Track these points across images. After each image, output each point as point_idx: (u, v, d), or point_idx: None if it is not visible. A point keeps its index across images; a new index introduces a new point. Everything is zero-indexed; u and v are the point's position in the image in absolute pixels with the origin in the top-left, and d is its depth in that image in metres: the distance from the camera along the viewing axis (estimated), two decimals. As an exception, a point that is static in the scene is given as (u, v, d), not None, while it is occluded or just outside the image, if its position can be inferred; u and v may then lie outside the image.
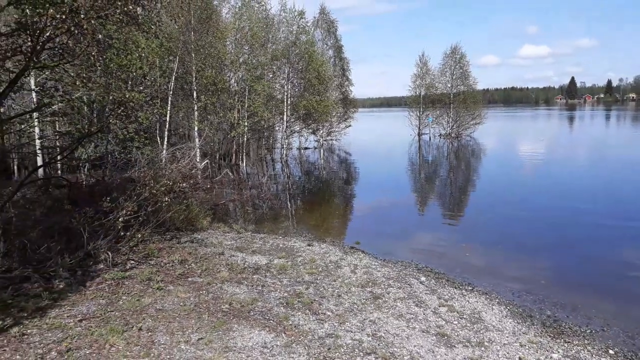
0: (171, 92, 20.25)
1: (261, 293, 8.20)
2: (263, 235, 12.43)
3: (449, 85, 46.34)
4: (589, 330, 7.46)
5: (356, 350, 6.35)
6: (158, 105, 19.38)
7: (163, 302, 7.44)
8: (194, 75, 22.16)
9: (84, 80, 9.30)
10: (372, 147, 41.77)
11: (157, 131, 20.67)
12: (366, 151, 38.02)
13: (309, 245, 11.43)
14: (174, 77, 20.25)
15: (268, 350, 6.25)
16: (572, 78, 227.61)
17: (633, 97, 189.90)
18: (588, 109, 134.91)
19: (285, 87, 31.09)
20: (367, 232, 13.79)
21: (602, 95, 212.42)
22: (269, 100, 28.42)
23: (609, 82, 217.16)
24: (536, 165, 27.44)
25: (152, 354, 5.90)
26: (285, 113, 31.05)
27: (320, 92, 31.28)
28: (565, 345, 6.86)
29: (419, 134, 47.85)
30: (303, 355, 6.14)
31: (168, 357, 5.87)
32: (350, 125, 42.82)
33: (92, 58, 8.43)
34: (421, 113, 47.68)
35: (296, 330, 6.84)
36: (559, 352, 6.60)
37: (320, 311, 7.55)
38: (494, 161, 31.38)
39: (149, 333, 6.43)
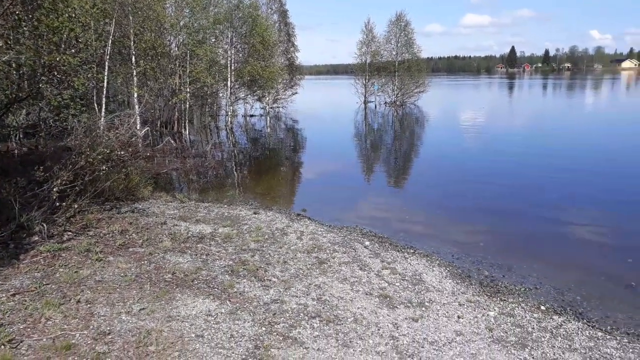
0: (108, 57, 19.19)
1: (205, 262, 8.10)
2: (208, 204, 12.22)
3: (394, 53, 46.60)
4: (523, 289, 7.84)
5: (301, 314, 6.42)
6: (94, 71, 18.39)
7: (103, 274, 7.21)
8: (132, 39, 21.08)
9: (9, 42, 8.67)
10: (319, 115, 41.66)
11: (95, 98, 19.64)
12: (313, 119, 37.89)
13: (255, 213, 11.35)
14: (110, 40, 19.19)
15: (212, 318, 6.21)
16: (512, 47, 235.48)
17: (568, 66, 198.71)
18: (527, 78, 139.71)
19: (229, 52, 30.23)
20: (314, 199, 13.84)
21: (540, 65, 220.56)
22: (211, 65, 27.59)
23: (547, 51, 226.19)
24: (477, 133, 28.26)
25: (91, 326, 5.73)
26: (229, 79, 30.29)
27: (266, 57, 30.65)
28: (501, 303, 7.19)
29: (365, 102, 48.12)
30: (248, 322, 6.15)
31: (108, 328, 5.72)
32: (296, 93, 42.45)
33: (17, 18, 7.84)
34: (367, 81, 47.82)
35: (241, 298, 6.82)
36: (495, 310, 6.92)
37: (266, 278, 7.55)
38: (437, 129, 32.09)
39: (88, 305, 6.23)
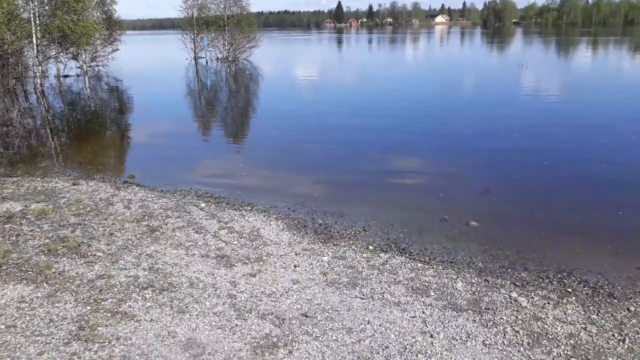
0: None
1: (16, 243, 7.14)
2: (16, 179, 10.75)
3: (222, 7, 45.09)
4: (353, 232, 8.29)
5: (131, 287, 6.01)
6: None
7: None
8: None
9: None
10: (146, 73, 38.99)
11: None
12: (139, 77, 35.36)
13: (74, 184, 10.28)
14: None
15: (27, 305, 5.52)
16: (339, 3, 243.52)
17: (390, 21, 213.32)
18: (354, 33, 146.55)
19: (31, 4, 26.38)
20: (144, 164, 13.01)
21: (365, 20, 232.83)
22: (10, 19, 23.89)
23: (370, 7, 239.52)
24: (311, 88, 28.98)
25: None
26: (34, 35, 26.55)
27: (77, 10, 27.33)
28: (334, 247, 7.52)
29: (196, 58, 46.20)
30: (70, 303, 5.58)
31: None
32: (118, 49, 38.97)
33: None
34: (196, 36, 45.79)
35: (61, 278, 6.15)
36: (328, 254, 7.22)
37: (89, 253, 6.91)
38: (272, 84, 32.18)
39: None
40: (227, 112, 22.82)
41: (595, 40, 70.86)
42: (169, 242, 7.46)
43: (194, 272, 6.52)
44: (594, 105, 20.51)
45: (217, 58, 46.22)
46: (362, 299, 5.94)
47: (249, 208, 9.29)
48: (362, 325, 5.36)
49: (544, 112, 19.13)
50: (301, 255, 7.17)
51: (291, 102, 23.72)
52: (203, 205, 9.30)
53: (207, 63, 45.75)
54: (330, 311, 5.63)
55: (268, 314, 5.55)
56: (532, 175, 11.53)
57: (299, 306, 5.73)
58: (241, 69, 41.69)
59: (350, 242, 7.83)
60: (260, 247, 7.39)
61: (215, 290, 6.05)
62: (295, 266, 6.77)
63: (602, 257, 7.34)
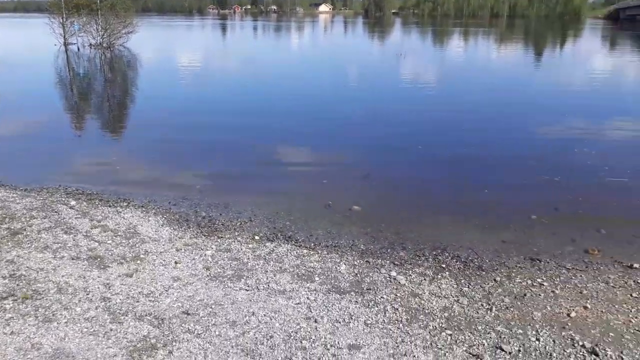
0: None
1: None
2: None
3: (94, -11, 41.85)
4: (238, 223, 8.13)
5: (-14, 299, 5.38)
6: None
7: None
8: None
9: None
10: (7, 60, 35.18)
11: None
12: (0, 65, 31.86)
13: None
14: None
15: None
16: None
17: (274, 9, 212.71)
18: (238, 20, 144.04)
19: None
20: (6, 162, 11.74)
21: (249, 7, 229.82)
22: None
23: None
24: (193, 76, 28.02)
25: None
26: None
27: None
28: (219, 240, 7.33)
29: (66, 44, 42.50)
30: None
31: None
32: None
33: None
34: (65, 20, 42.10)
35: None
36: (212, 248, 7.01)
37: None
38: (151, 72, 30.57)
39: None
40: (102, 103, 21.23)
41: (466, 31, 76.36)
42: (33, 246, 6.78)
43: (63, 276, 5.99)
44: (464, 92, 22.09)
45: (90, 44, 42.93)
46: (247, 290, 5.84)
47: (125, 204, 8.74)
48: (247, 317, 5.27)
49: (419, 99, 20.29)
50: (183, 250, 6.89)
51: (172, 91, 22.69)
52: (73, 203, 8.59)
53: (78, 49, 42.30)
54: (213, 306, 5.46)
55: (146, 315, 5.25)
56: (408, 159, 12.15)
57: (179, 304, 5.49)
58: (117, 56, 39.11)
59: (236, 233, 7.69)
60: (137, 245, 6.98)
61: (87, 295, 5.60)
62: (176, 262, 6.49)
63: (472, 233, 7.92)
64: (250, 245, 7.19)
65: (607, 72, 29.28)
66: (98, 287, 5.78)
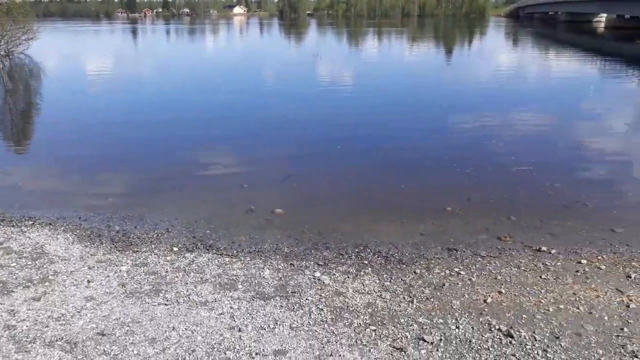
0: None
1: None
2: None
3: (-14, -7, 38.85)
4: (155, 235, 7.80)
5: None
6: None
7: None
8: None
9: None
10: None
11: None
12: None
13: None
14: None
15: None
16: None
17: (187, 12, 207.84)
18: (149, 23, 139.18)
19: None
20: None
21: (160, 10, 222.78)
22: None
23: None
24: (102, 83, 26.72)
25: None
26: None
27: None
28: (134, 254, 7.01)
29: (-44, 53, 39.10)
30: None
31: None
32: None
33: None
34: (-46, 26, 38.67)
35: None
36: (127, 263, 6.69)
37: None
38: (56, 81, 28.80)
39: None
40: (5, 114, 19.72)
41: (380, 31, 78.52)
42: None
43: (-42, 307, 5.47)
44: (379, 91, 22.64)
45: (-15, 52, 39.75)
46: (166, 305, 5.62)
47: (31, 222, 8.15)
48: (167, 332, 5.07)
49: (336, 100, 20.53)
50: (96, 268, 6.51)
51: (80, 100, 21.45)
52: (-30, 226, 7.89)
53: (-28, 58, 39.07)
54: (130, 324, 5.20)
55: (57, 340, 4.91)
56: (328, 160, 12.24)
57: (94, 325, 5.18)
58: (18, 64, 36.52)
59: (153, 246, 7.38)
60: (45, 266, 6.52)
61: (-12, 325, 5.15)
62: (88, 281, 6.12)
63: (392, 228, 8.12)
64: (168, 258, 6.93)
65: (512, 67, 31.29)
66: (1, 315, 5.33)
